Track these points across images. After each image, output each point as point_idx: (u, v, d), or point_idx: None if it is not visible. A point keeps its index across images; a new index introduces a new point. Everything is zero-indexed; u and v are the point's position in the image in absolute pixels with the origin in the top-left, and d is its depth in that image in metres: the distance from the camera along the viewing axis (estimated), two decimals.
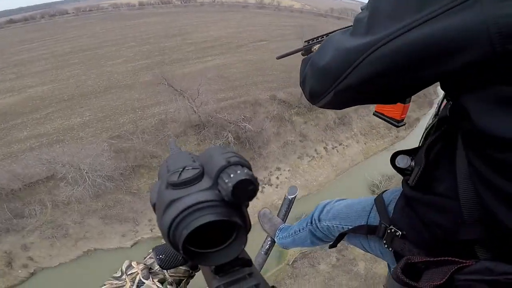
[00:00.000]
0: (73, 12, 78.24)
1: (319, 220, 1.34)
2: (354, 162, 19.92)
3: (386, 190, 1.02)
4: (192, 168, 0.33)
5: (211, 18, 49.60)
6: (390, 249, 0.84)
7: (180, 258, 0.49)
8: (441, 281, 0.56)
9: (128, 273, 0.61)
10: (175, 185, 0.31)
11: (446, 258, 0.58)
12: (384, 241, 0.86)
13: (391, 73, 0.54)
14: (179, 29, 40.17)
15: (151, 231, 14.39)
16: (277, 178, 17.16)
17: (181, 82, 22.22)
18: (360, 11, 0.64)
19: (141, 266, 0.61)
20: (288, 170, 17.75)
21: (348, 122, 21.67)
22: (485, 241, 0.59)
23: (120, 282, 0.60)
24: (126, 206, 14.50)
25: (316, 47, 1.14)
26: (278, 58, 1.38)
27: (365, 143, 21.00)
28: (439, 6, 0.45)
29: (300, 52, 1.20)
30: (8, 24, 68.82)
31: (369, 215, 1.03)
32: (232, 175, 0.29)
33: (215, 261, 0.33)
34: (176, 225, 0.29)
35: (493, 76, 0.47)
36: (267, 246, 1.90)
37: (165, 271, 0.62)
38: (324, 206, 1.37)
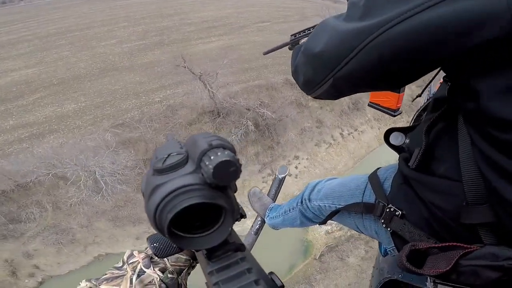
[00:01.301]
0: None
1: (309, 200, 1.24)
2: (370, 148, 18.18)
3: (380, 167, 0.94)
4: (177, 154, 0.32)
5: None
6: (389, 229, 0.78)
7: (174, 246, 0.45)
8: (447, 269, 0.52)
9: (129, 262, 0.59)
10: (160, 171, 0.31)
11: (451, 243, 0.55)
12: (382, 220, 0.78)
13: (400, 58, 0.49)
14: (174, 8, 36.13)
15: None
16: (296, 167, 15.13)
17: (185, 63, 19.36)
18: None
19: (143, 255, 0.58)
20: (307, 159, 15.69)
21: (362, 107, 19.60)
22: (490, 224, 0.55)
23: (121, 271, 0.58)
24: (139, 205, 12.07)
25: (304, 39, 1.05)
26: (265, 53, 1.32)
27: (378, 128, 19.05)
28: None
29: (287, 46, 1.12)
30: None
31: (363, 194, 0.94)
32: (212, 157, 0.28)
33: (202, 245, 0.32)
34: (161, 210, 0.28)
35: (509, 57, 0.44)
36: (257, 226, 1.78)
37: (166, 260, 0.59)
38: (315, 186, 1.27)
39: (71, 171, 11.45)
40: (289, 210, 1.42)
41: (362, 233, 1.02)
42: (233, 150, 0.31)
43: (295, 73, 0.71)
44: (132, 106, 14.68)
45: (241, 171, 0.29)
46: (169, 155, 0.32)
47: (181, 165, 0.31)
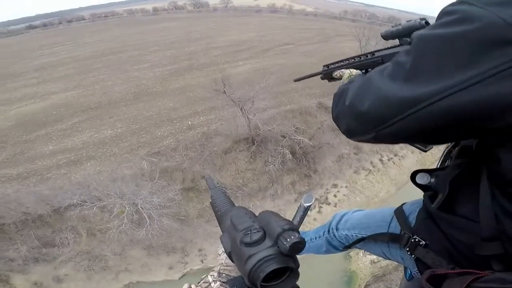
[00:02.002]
0: (89, 18, 75.30)
1: (336, 230, 1.31)
2: None
3: (405, 202, 1.01)
4: (257, 231, 0.47)
5: (228, 22, 46.35)
6: (413, 256, 0.85)
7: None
8: None
9: None
10: (249, 244, 0.45)
11: (466, 270, 0.61)
12: (407, 249, 0.86)
13: (438, 130, 0.54)
14: (200, 33, 37.00)
15: (202, 262, 11.53)
16: (335, 196, 14.17)
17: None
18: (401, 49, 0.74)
19: None
20: (346, 187, 14.72)
21: None
22: (499, 256, 0.63)
23: None
24: (174, 235, 11.50)
25: (338, 73, 1.07)
26: (296, 80, 1.38)
27: (419, 153, 17.90)
28: (490, 67, 0.45)
29: (320, 76, 1.15)
30: (27, 30, 65.96)
31: (389, 225, 1.03)
32: (288, 240, 0.42)
33: None
34: (255, 271, 0.43)
35: None
36: None
37: None
38: (342, 216, 1.34)
39: (108, 200, 11.13)
40: (315, 238, 1.47)
41: (389, 259, 1.07)
42: (298, 230, 0.46)
43: (336, 120, 0.74)
44: (167, 133, 14.45)
45: (305, 245, 0.44)
46: (251, 231, 0.47)
47: (261, 240, 0.45)
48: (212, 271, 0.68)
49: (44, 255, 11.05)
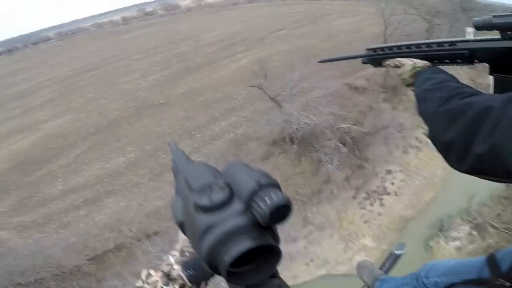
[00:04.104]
0: (56, 38, 68.91)
1: (426, 277, 1.28)
2: None
3: (498, 250, 1.01)
4: (219, 188, 0.31)
5: (209, 19, 43.01)
6: None
7: (209, 273, 0.41)
8: None
9: (149, 281, 0.57)
10: (207, 209, 0.30)
11: None
12: None
13: None
14: (183, 34, 33.78)
15: None
16: (392, 183, 12.26)
17: (226, 86, 16.78)
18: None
19: (160, 273, 0.56)
20: (400, 171, 12.82)
21: None
22: None
23: None
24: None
25: (392, 61, 0.93)
26: (322, 62, 1.24)
27: None
28: None
29: (361, 60, 1.03)
30: None
31: (480, 271, 1.00)
32: (267, 200, 0.27)
33: (253, 279, 0.31)
34: (216, 251, 0.28)
35: None
36: None
37: (182, 275, 0.56)
38: (432, 266, 1.32)
39: (148, 240, 8.87)
40: (402, 285, 1.43)
41: None
42: (280, 187, 0.30)
43: (421, 116, 0.72)
44: (190, 149, 12.03)
45: (292, 210, 0.29)
46: (211, 189, 0.31)
47: (227, 202, 0.30)
48: (173, 249, 0.55)
49: None
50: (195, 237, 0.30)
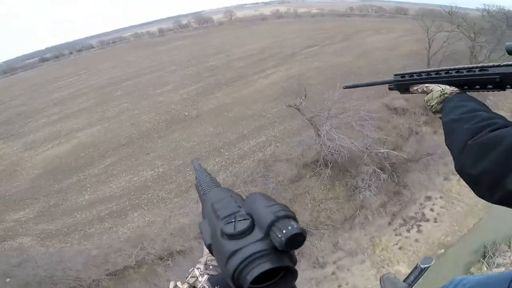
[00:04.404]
0: (98, 46, 74.47)
1: None
2: None
3: None
4: (243, 219, 0.36)
5: (239, 33, 44.03)
6: None
7: None
8: None
9: None
10: (232, 236, 0.34)
11: None
12: None
13: None
14: (214, 47, 34.70)
15: None
16: (431, 210, 11.45)
17: (256, 103, 16.52)
18: None
19: (186, 285, 0.59)
20: (440, 197, 11.85)
21: None
22: None
23: None
24: None
25: (420, 87, 0.91)
26: (347, 88, 1.22)
27: None
28: None
29: (388, 86, 1.02)
30: (40, 63, 65.39)
31: (509, 284, 0.97)
32: (284, 231, 0.31)
33: None
34: (240, 272, 0.32)
35: None
36: None
37: (207, 287, 0.61)
38: (460, 280, 1.27)
39: (170, 259, 8.52)
40: None
41: None
42: (296, 218, 0.34)
43: (449, 147, 0.72)
44: (218, 167, 11.77)
45: (306, 238, 0.33)
46: (235, 218, 0.36)
47: (249, 231, 0.34)
48: (198, 263, 0.60)
49: None
50: (223, 260, 0.33)
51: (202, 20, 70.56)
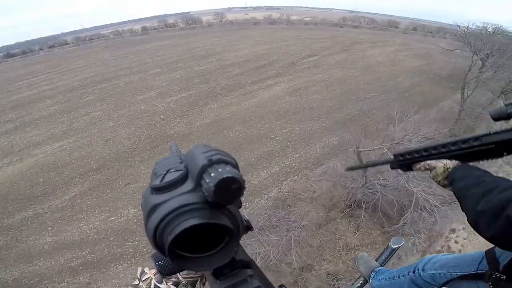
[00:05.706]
0: (73, 42, 68.26)
1: (423, 270, 1.32)
2: None
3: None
4: (176, 170, 0.31)
5: (230, 36, 41.60)
6: None
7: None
8: None
9: (143, 279, 0.57)
10: (158, 189, 0.29)
11: None
12: (490, 283, 0.90)
13: None
14: (205, 50, 31.97)
15: None
16: (456, 242, 10.08)
17: (260, 120, 14.10)
18: None
19: (153, 271, 0.57)
20: (463, 229, 10.44)
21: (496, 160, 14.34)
22: None
23: None
24: None
25: (422, 165, 0.93)
26: (350, 170, 1.28)
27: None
28: None
29: (389, 164, 1.05)
30: (5, 59, 58.67)
31: (479, 265, 1.04)
32: (213, 174, 0.26)
33: (206, 266, 0.29)
34: (161, 231, 0.27)
35: None
36: (358, 285, 1.85)
37: (178, 273, 0.57)
38: (430, 259, 1.35)
39: None
40: (398, 276, 1.46)
41: None
42: (235, 165, 0.29)
43: (464, 213, 0.74)
44: None
45: (244, 188, 0.26)
46: (168, 171, 0.31)
47: (180, 182, 0.29)
48: None
49: None
50: (144, 219, 0.28)
51: (190, 21, 67.49)
